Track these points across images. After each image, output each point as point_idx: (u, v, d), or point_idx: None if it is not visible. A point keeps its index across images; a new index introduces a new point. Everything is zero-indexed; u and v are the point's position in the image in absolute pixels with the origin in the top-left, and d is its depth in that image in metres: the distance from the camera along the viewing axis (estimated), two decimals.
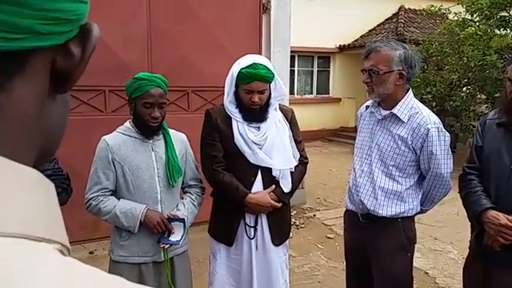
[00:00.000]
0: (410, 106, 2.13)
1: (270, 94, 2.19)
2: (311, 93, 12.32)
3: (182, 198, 2.24)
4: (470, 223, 2.15)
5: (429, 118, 2.09)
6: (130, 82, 2.05)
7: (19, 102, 0.33)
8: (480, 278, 2.05)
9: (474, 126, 8.73)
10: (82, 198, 2.10)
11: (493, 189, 2.00)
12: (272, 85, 2.18)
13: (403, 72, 2.08)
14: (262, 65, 2.11)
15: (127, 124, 2.13)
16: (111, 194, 2.09)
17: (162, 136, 2.14)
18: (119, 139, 2.08)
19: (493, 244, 1.94)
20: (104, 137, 2.10)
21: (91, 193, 2.06)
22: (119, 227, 2.09)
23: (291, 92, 10.98)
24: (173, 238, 2.10)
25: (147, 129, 2.07)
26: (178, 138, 2.21)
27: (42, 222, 0.31)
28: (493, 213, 1.93)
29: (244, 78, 2.10)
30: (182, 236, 2.11)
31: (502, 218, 1.89)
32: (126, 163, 2.05)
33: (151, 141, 2.11)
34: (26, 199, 0.31)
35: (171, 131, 2.18)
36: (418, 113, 2.11)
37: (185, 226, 2.12)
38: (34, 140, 0.35)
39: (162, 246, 2.10)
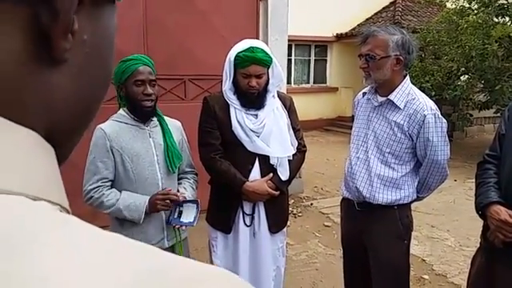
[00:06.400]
0: (407, 93, 2.10)
1: (267, 80, 2.17)
2: (308, 82, 12.28)
3: (179, 184, 2.22)
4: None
5: (425, 105, 2.07)
6: (117, 66, 2.01)
7: None
8: (484, 274, 1.94)
9: (471, 115, 8.76)
10: (77, 187, 2.00)
11: (504, 181, 1.83)
12: (270, 71, 2.16)
13: (400, 57, 2.06)
14: (259, 48, 2.09)
15: (121, 112, 2.09)
16: (111, 185, 2.03)
17: (157, 123, 2.12)
18: (116, 127, 2.03)
19: (494, 240, 1.82)
20: (99, 125, 2.04)
21: (91, 183, 1.98)
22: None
23: (288, 81, 10.92)
24: (184, 220, 2.07)
25: (142, 110, 2.03)
26: (174, 124, 2.19)
27: (39, 183, 0.29)
28: (496, 207, 1.80)
29: (241, 61, 2.07)
30: (195, 217, 2.08)
31: (504, 213, 1.76)
32: (125, 151, 2.01)
33: (148, 127, 2.08)
34: (19, 158, 0.29)
35: (166, 118, 2.16)
36: (414, 99, 2.09)
37: (198, 207, 2.09)
38: (29, 111, 0.31)
39: (175, 226, 2.08)
